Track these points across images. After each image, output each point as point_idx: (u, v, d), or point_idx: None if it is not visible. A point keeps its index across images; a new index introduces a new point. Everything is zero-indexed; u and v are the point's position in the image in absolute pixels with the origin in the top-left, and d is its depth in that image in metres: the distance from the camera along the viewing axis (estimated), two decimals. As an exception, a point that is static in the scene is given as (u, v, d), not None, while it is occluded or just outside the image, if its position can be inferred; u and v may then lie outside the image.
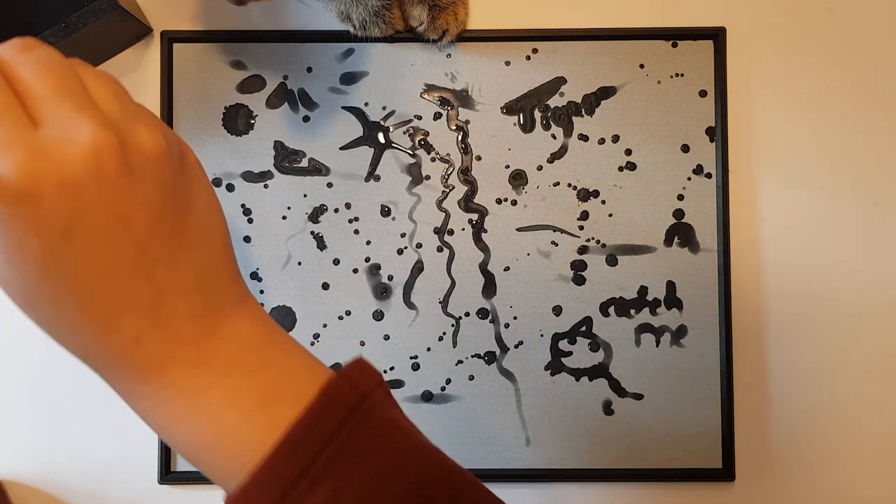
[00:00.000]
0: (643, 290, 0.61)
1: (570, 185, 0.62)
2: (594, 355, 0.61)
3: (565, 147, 0.62)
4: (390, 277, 0.62)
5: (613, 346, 0.61)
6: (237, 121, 0.62)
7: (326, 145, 0.62)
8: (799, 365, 0.62)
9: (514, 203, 0.62)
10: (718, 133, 0.61)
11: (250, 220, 0.62)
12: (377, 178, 0.62)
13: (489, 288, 0.62)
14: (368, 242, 0.62)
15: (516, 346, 0.61)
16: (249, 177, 0.62)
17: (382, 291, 0.62)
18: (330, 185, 0.62)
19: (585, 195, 0.62)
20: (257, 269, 0.61)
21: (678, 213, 0.62)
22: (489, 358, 0.61)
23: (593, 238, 0.62)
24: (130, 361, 0.33)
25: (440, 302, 0.62)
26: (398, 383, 0.61)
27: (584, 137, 0.62)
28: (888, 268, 0.62)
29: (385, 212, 0.62)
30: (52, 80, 0.31)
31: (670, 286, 0.61)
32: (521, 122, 0.62)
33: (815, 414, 0.62)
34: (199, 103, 0.62)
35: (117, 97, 0.33)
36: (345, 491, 0.32)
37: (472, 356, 0.61)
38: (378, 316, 0.62)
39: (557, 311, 0.61)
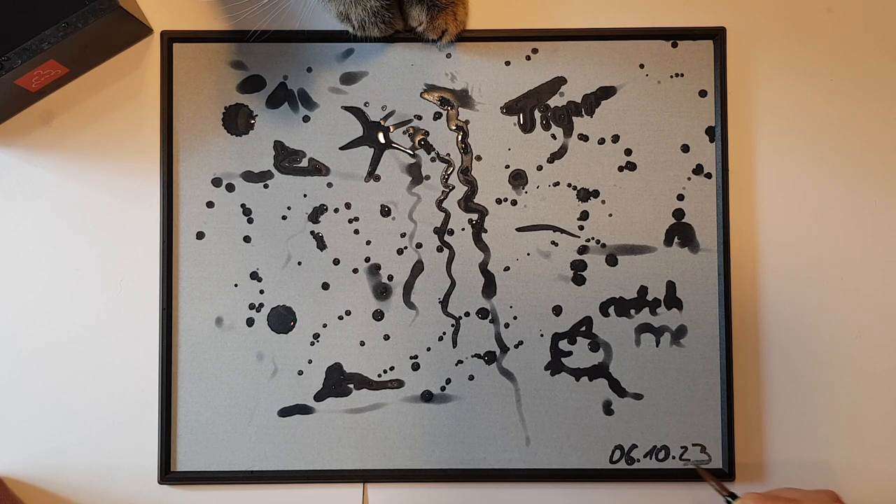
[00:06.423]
0: (643, 290, 0.61)
1: (570, 185, 0.62)
2: (594, 355, 0.61)
3: (565, 147, 0.62)
4: (390, 277, 0.62)
5: (613, 346, 0.61)
6: (237, 121, 0.62)
7: (326, 145, 0.62)
8: (799, 364, 0.62)
9: (514, 203, 0.62)
10: (718, 133, 0.61)
11: (250, 220, 0.62)
12: (377, 178, 0.62)
13: (489, 288, 0.62)
14: (368, 242, 0.62)
15: (516, 346, 0.61)
16: (249, 177, 0.62)
17: (382, 291, 0.62)
18: (330, 185, 0.62)
19: (585, 195, 0.62)
20: (257, 269, 0.61)
21: (678, 213, 0.62)
22: (489, 358, 0.61)
23: (593, 238, 0.62)
24: None
25: (440, 302, 0.62)
26: (398, 383, 0.61)
27: (584, 137, 0.62)
28: (888, 267, 0.62)
29: (385, 212, 0.62)
30: None
31: (670, 286, 0.61)
32: (521, 122, 0.62)
33: (815, 413, 0.62)
34: (199, 103, 0.62)
35: None
36: None
37: (472, 356, 0.61)
38: (378, 316, 0.62)
39: (557, 311, 0.61)
